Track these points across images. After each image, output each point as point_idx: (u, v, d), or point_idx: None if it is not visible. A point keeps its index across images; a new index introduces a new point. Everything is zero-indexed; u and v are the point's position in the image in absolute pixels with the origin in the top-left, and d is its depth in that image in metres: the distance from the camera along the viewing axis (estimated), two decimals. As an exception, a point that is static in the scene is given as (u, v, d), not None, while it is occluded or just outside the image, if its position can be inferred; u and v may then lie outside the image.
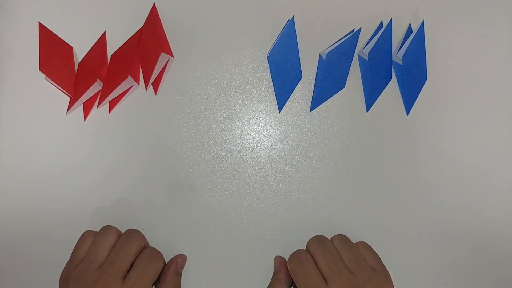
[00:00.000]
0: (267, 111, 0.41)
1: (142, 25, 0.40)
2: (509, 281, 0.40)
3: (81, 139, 0.40)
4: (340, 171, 0.40)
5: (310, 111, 0.41)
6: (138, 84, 0.40)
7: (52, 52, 0.38)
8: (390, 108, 0.41)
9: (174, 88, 0.40)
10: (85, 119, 0.40)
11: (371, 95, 0.40)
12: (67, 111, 0.39)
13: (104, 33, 0.39)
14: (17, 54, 0.40)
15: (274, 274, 0.37)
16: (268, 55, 0.40)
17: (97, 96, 0.39)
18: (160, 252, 0.36)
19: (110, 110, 0.40)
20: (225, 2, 0.41)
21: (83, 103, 0.39)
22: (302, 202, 0.40)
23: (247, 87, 0.41)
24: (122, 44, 0.39)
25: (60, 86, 0.38)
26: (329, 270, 0.33)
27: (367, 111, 0.41)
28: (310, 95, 0.41)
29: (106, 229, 0.36)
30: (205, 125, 0.40)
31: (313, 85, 0.41)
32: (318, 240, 0.36)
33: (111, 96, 0.38)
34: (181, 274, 0.38)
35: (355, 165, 0.40)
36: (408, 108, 0.40)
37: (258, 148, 0.40)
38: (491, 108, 0.41)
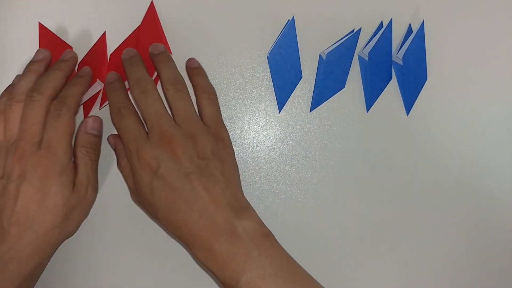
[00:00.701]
0: (267, 111, 0.41)
1: (136, 25, 0.40)
2: (510, 281, 0.40)
3: None
4: (340, 171, 0.40)
5: (310, 111, 0.41)
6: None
7: (52, 52, 0.38)
8: (390, 108, 0.41)
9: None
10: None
11: (371, 95, 0.40)
12: None
13: (104, 33, 0.39)
14: (17, 55, 0.40)
15: (115, 149, 0.38)
16: (268, 55, 0.40)
17: (97, 96, 0.39)
18: (64, 102, 0.34)
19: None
20: (225, 2, 0.41)
21: (83, 104, 0.39)
22: (302, 202, 0.40)
23: (247, 87, 0.41)
24: (120, 43, 0.39)
25: None
26: (150, 123, 0.33)
27: (367, 111, 0.41)
28: (310, 95, 0.41)
29: (7, 101, 0.34)
30: (205, 125, 0.40)
31: (313, 85, 0.41)
32: (140, 88, 0.35)
33: None
34: (96, 136, 0.37)
35: (355, 165, 0.40)
36: (408, 108, 0.40)
37: (258, 148, 0.40)
38: (491, 108, 0.41)
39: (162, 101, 0.35)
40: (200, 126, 0.34)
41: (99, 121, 0.37)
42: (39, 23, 0.38)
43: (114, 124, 0.35)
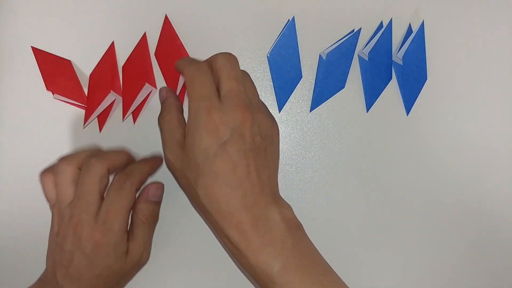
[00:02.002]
0: (267, 111, 0.41)
1: (143, 32, 0.40)
2: (509, 281, 0.40)
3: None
4: (340, 171, 0.40)
5: (310, 111, 0.41)
6: (156, 88, 0.40)
7: (53, 70, 0.38)
8: (390, 108, 0.41)
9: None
10: (100, 131, 0.40)
11: (371, 95, 0.40)
12: (83, 125, 0.39)
13: (113, 44, 0.39)
14: (26, 72, 0.40)
15: (163, 102, 0.35)
16: (268, 55, 0.40)
17: (111, 108, 0.39)
18: (129, 176, 0.34)
19: (134, 121, 0.40)
20: (225, 2, 0.41)
21: (97, 116, 0.40)
22: (302, 202, 0.40)
23: (247, 87, 0.41)
24: (128, 53, 0.39)
25: (70, 99, 0.38)
26: (228, 87, 0.31)
27: (367, 111, 0.41)
28: (310, 95, 0.41)
29: (61, 164, 0.34)
30: (205, 125, 0.40)
31: (313, 85, 0.41)
32: (227, 58, 0.33)
33: (133, 106, 0.38)
34: (156, 203, 0.36)
35: (355, 165, 0.40)
36: (408, 108, 0.40)
37: (258, 148, 0.40)
38: (491, 108, 0.41)
39: None
40: (262, 106, 0.34)
41: (162, 188, 0.37)
42: (31, 47, 0.39)
43: (186, 75, 0.32)
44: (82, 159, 0.34)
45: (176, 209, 0.40)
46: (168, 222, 0.40)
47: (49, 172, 0.34)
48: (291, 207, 0.32)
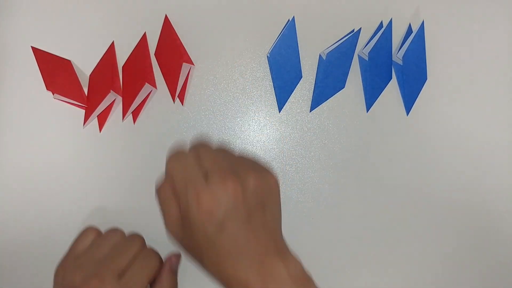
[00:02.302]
0: (267, 111, 0.41)
1: (143, 32, 0.40)
2: (510, 281, 0.40)
3: (97, 150, 0.40)
4: (340, 171, 0.40)
5: (310, 111, 0.41)
6: (156, 88, 0.40)
7: (53, 70, 0.38)
8: (390, 108, 0.41)
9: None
10: (100, 131, 0.40)
11: (371, 95, 0.40)
12: (83, 124, 0.39)
13: (113, 44, 0.39)
14: (27, 73, 0.40)
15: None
16: (268, 55, 0.40)
17: (111, 108, 0.39)
18: (157, 253, 0.36)
19: (134, 121, 0.40)
20: (225, 2, 0.41)
21: (97, 116, 0.40)
22: (302, 202, 0.40)
23: (247, 87, 0.41)
24: (127, 53, 0.39)
25: (70, 99, 0.38)
26: (209, 164, 0.31)
27: (367, 111, 0.41)
28: (310, 95, 0.41)
29: (113, 229, 0.36)
30: (205, 125, 0.40)
31: (313, 85, 0.41)
32: (198, 143, 0.33)
33: (133, 106, 0.38)
34: (176, 273, 0.38)
35: (355, 165, 0.40)
36: (408, 108, 0.40)
37: (258, 148, 0.40)
38: (491, 108, 0.41)
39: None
40: (252, 163, 0.33)
41: (180, 257, 0.37)
42: (32, 47, 0.39)
43: (169, 160, 0.32)
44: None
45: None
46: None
47: (93, 230, 0.36)
48: (299, 261, 0.32)
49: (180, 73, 0.38)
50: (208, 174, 0.31)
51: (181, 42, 0.40)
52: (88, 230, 0.36)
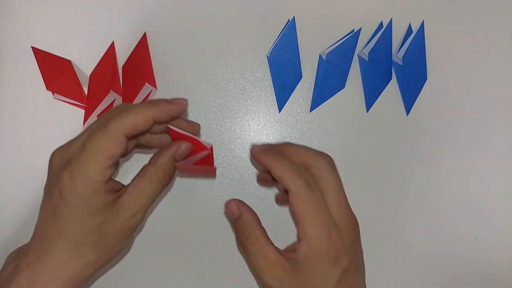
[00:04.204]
0: (267, 111, 0.41)
1: (143, 32, 0.40)
2: (510, 281, 0.40)
3: None
4: (340, 171, 0.40)
5: (310, 111, 0.41)
6: (156, 88, 0.40)
7: (53, 70, 0.38)
8: (390, 108, 0.41)
9: (174, 89, 0.40)
10: None
11: (371, 95, 0.40)
12: (83, 124, 0.39)
13: (113, 44, 0.39)
14: (27, 73, 0.40)
15: (238, 219, 0.31)
16: (269, 55, 0.40)
17: (111, 107, 0.39)
18: (117, 114, 0.28)
19: None
20: (225, 2, 0.41)
21: (97, 115, 0.40)
22: (302, 202, 0.40)
23: (247, 87, 0.41)
24: (127, 53, 0.39)
25: (70, 99, 0.38)
26: (338, 202, 0.29)
27: (367, 111, 0.41)
28: (310, 95, 0.41)
29: None
30: (205, 125, 0.40)
31: (313, 85, 0.41)
32: (329, 164, 0.30)
33: None
34: (176, 167, 0.31)
35: (355, 165, 0.40)
36: (408, 108, 0.40)
37: (258, 148, 0.40)
38: (491, 108, 0.41)
39: None
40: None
41: (190, 148, 0.31)
42: (32, 47, 0.39)
43: (295, 191, 0.28)
44: None
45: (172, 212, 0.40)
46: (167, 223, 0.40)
47: None
48: None
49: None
50: (336, 214, 0.29)
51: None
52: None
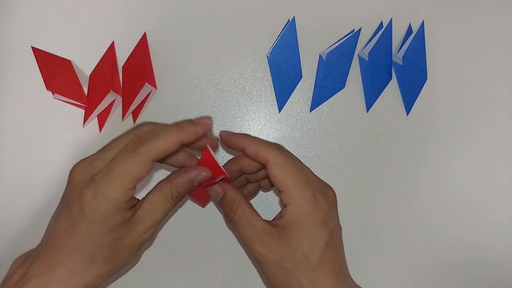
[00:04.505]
0: (267, 111, 0.41)
1: (143, 32, 0.40)
2: (510, 282, 0.40)
3: (97, 149, 0.40)
4: (340, 171, 0.40)
5: (310, 111, 0.41)
6: (156, 88, 0.40)
7: (53, 70, 0.38)
8: (390, 108, 0.41)
9: (174, 89, 0.40)
10: (100, 131, 0.40)
11: (371, 95, 0.40)
12: (83, 124, 0.39)
13: (113, 44, 0.39)
14: (27, 73, 0.40)
15: (223, 198, 0.32)
16: (269, 55, 0.40)
17: (111, 107, 0.39)
18: (147, 140, 0.28)
19: (134, 121, 0.40)
20: (225, 2, 0.41)
21: (97, 115, 0.40)
22: (302, 202, 0.40)
23: (247, 87, 0.41)
24: (127, 53, 0.39)
25: (70, 99, 0.38)
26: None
27: (367, 111, 0.41)
28: (310, 95, 0.41)
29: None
30: (205, 125, 0.40)
31: (313, 85, 0.41)
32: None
33: (132, 106, 0.38)
34: (193, 188, 0.32)
35: (355, 165, 0.40)
36: (408, 108, 0.40)
37: (258, 148, 0.40)
38: (491, 108, 0.41)
39: None
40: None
41: (207, 177, 0.32)
42: (32, 47, 0.39)
43: (278, 163, 0.30)
44: None
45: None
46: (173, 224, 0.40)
47: None
48: None
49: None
50: (315, 181, 0.31)
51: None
52: None
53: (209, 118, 0.31)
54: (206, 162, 0.31)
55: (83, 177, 0.29)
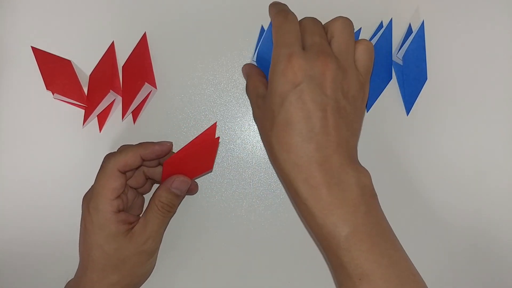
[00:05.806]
0: (267, 111, 0.41)
1: (143, 32, 0.40)
2: (509, 283, 0.40)
3: (97, 149, 0.40)
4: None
5: (310, 111, 0.41)
6: (156, 88, 0.40)
7: (53, 70, 0.38)
8: (390, 108, 0.41)
9: (174, 89, 0.40)
10: (100, 131, 0.40)
11: (371, 95, 0.40)
12: (83, 124, 0.39)
13: (113, 44, 0.39)
14: (27, 73, 0.40)
15: (247, 74, 0.37)
16: (254, 59, 0.40)
17: (111, 108, 0.39)
18: (112, 156, 0.34)
19: (134, 121, 0.40)
20: (225, 2, 0.41)
21: (97, 115, 0.40)
22: (302, 202, 0.40)
23: (247, 87, 0.41)
24: (127, 53, 0.39)
25: (70, 99, 0.38)
26: (311, 41, 0.31)
27: (367, 111, 0.41)
28: (310, 95, 0.41)
29: None
30: (205, 125, 0.40)
31: (313, 85, 0.40)
32: (314, 19, 0.33)
33: (132, 106, 0.38)
34: (177, 196, 0.35)
35: (355, 165, 0.40)
36: (408, 108, 0.40)
37: (258, 148, 0.40)
38: (491, 108, 0.41)
39: None
40: (354, 67, 0.32)
41: (186, 184, 0.35)
42: (31, 47, 0.39)
43: (274, 24, 0.32)
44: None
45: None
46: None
47: None
48: (369, 174, 0.30)
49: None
50: (308, 47, 0.31)
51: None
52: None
53: (169, 142, 0.35)
54: (171, 165, 0.35)
55: (85, 200, 0.35)
